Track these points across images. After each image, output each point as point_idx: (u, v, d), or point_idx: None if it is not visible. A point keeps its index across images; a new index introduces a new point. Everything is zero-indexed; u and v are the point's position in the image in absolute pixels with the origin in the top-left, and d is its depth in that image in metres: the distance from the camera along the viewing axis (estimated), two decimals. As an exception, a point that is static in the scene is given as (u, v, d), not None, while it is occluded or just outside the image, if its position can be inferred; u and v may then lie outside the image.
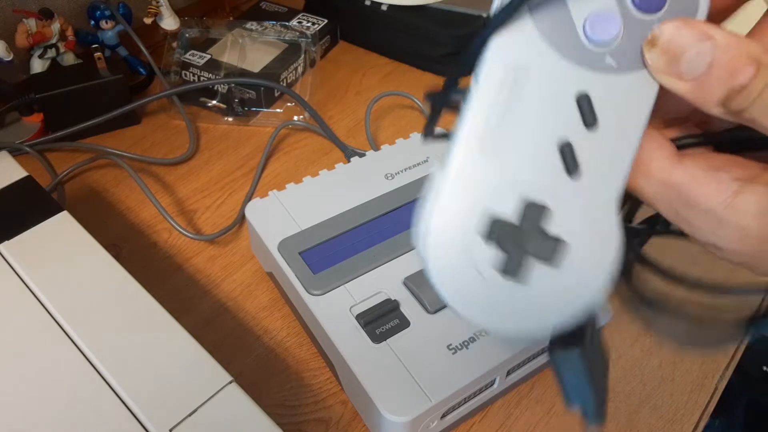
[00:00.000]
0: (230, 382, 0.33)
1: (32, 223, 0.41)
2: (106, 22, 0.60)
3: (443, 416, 0.36)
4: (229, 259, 0.48)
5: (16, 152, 0.54)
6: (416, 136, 0.49)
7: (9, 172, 0.44)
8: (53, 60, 0.59)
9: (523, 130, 0.21)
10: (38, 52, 0.58)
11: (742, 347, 0.43)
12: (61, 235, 0.40)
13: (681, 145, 0.22)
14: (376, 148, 0.49)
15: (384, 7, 0.65)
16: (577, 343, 0.23)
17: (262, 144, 0.58)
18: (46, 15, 0.57)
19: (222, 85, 0.59)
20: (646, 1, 0.21)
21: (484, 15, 0.65)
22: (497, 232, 0.21)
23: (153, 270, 0.47)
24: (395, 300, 0.38)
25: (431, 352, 0.36)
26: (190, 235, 0.49)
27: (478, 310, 0.21)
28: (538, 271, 0.21)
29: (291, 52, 0.63)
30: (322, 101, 0.63)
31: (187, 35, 0.63)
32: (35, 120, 0.57)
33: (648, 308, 0.24)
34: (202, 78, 0.60)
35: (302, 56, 0.63)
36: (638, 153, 0.21)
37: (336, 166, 0.47)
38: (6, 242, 0.39)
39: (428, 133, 0.24)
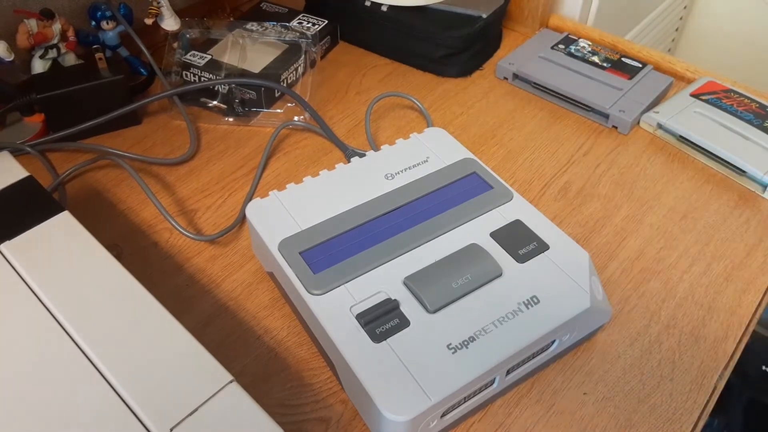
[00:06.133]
0: (231, 382, 0.33)
1: (33, 223, 0.41)
2: (107, 23, 0.60)
3: (443, 415, 0.36)
4: (230, 259, 0.48)
5: (17, 152, 0.54)
6: (416, 136, 0.49)
7: (10, 172, 0.44)
8: (54, 60, 0.60)
9: None
10: (39, 53, 0.58)
11: (742, 347, 0.44)
12: (62, 235, 0.40)
13: None
14: (376, 148, 0.49)
15: (384, 8, 0.66)
16: None
17: (263, 144, 0.58)
18: (47, 15, 0.57)
19: (222, 86, 0.59)
20: None
21: (484, 15, 0.65)
22: None
23: (153, 270, 0.48)
24: (395, 300, 0.38)
25: (431, 352, 0.36)
26: (191, 236, 0.49)
27: None
28: None
29: (291, 52, 0.63)
30: (322, 101, 0.63)
31: (187, 36, 0.63)
32: (36, 120, 0.57)
33: None
34: (202, 78, 0.60)
35: (302, 57, 0.63)
36: None
37: (336, 166, 0.47)
38: (7, 242, 0.40)
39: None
